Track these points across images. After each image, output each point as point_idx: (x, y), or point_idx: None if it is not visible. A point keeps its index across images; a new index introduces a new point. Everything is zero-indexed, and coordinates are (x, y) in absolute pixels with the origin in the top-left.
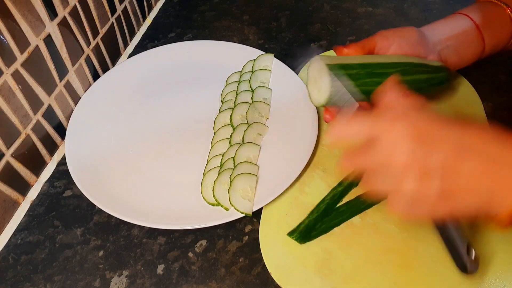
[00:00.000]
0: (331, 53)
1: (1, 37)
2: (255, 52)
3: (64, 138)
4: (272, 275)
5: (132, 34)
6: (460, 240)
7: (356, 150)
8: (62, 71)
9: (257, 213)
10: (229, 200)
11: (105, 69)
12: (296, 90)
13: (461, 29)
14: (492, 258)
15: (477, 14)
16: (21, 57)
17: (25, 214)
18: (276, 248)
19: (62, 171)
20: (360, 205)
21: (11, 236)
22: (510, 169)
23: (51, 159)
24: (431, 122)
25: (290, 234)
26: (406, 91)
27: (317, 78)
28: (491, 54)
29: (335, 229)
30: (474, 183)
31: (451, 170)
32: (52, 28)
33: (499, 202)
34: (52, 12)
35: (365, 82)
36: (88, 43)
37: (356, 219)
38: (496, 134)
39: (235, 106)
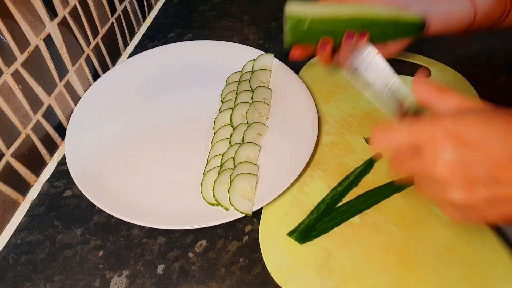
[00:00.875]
0: None
1: (1, 37)
2: (255, 52)
3: (64, 138)
4: (272, 275)
5: (132, 34)
6: None
7: (402, 155)
8: (62, 71)
9: (257, 213)
10: (229, 200)
11: (105, 69)
12: (296, 90)
13: None
14: None
15: None
16: (21, 57)
17: (25, 214)
18: (276, 248)
19: (62, 171)
20: (360, 205)
21: (11, 236)
22: None
23: (51, 159)
24: (473, 124)
25: (290, 234)
26: (442, 87)
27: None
28: (483, 26)
29: (335, 229)
30: None
31: (498, 179)
32: (52, 28)
33: None
34: (52, 12)
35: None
36: (88, 43)
37: (356, 219)
38: None
39: (235, 106)
